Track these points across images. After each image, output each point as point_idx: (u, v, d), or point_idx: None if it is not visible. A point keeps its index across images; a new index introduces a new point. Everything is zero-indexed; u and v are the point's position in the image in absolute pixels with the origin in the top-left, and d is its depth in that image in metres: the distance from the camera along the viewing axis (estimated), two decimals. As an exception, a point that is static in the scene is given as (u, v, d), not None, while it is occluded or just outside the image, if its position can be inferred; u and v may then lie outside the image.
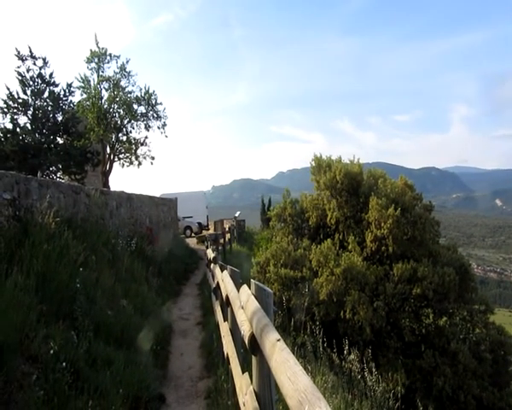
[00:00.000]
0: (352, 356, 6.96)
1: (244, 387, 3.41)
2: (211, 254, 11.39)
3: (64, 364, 4.36)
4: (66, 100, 25.19)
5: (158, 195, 28.35)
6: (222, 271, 6.45)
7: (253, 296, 2.92)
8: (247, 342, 2.83)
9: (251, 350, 2.79)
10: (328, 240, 14.70)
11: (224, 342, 5.63)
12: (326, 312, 13.84)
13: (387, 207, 13.98)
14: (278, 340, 2.04)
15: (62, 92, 24.90)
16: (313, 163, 16.83)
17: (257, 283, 2.97)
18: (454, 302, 14.31)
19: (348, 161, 16.31)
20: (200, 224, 33.39)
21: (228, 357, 4.84)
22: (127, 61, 25.76)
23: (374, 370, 6.42)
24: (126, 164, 26.91)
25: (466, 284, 14.61)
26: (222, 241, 17.71)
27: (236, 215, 34.71)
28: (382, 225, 13.98)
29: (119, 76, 25.43)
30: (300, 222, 16.73)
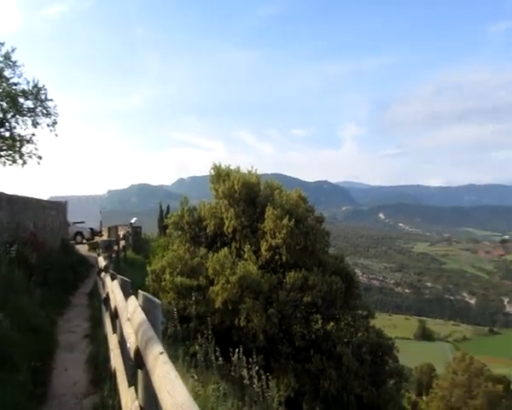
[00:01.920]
0: (241, 363, 7.07)
1: (129, 402, 3.29)
2: (102, 262, 10.83)
3: None
4: None
5: (46, 198, 26.29)
6: (113, 280, 6.17)
7: (140, 308, 2.84)
8: (132, 355, 2.75)
9: (136, 364, 2.71)
10: (225, 248, 14.83)
11: (111, 356, 5.38)
12: (221, 320, 13.92)
13: (282, 217, 14.52)
14: (161, 353, 2.00)
15: None
16: (212, 172, 16.90)
17: (145, 293, 2.89)
18: (340, 308, 15.26)
19: (247, 172, 16.65)
20: (92, 230, 31.63)
21: (115, 371, 4.64)
22: (12, 50, 23.50)
23: (263, 376, 6.59)
24: (9, 162, 24.46)
25: (351, 292, 15.70)
26: (116, 248, 16.94)
27: (133, 221, 33.49)
28: (277, 234, 14.48)
29: (2, 65, 23.08)
30: (198, 230, 16.67)
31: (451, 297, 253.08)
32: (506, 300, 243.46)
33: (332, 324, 15.42)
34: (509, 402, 22.96)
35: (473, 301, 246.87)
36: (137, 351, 2.59)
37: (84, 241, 29.56)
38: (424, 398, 32.89)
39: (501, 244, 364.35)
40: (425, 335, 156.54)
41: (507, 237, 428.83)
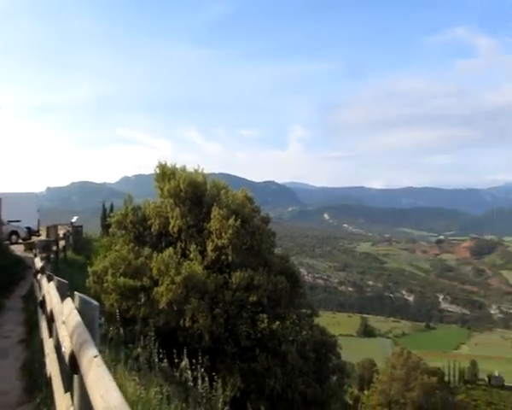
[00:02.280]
0: (183, 364, 6.98)
1: (65, 409, 3.15)
2: (38, 263, 10.32)
3: None
4: None
5: (-23, 195, 24.71)
6: (49, 282, 5.89)
7: (75, 310, 2.72)
8: (67, 359, 2.63)
9: (71, 368, 2.60)
10: (170, 248, 14.61)
11: (47, 361, 5.13)
12: (166, 321, 13.69)
13: (228, 217, 14.51)
14: (95, 356, 1.93)
15: None
16: (158, 170, 16.59)
17: (81, 295, 2.78)
18: (285, 307, 15.47)
19: (193, 171, 16.49)
20: (29, 229, 30.06)
21: (51, 377, 4.42)
22: None
23: (207, 377, 6.54)
24: None
25: (296, 291, 15.96)
26: (55, 248, 16.21)
27: (73, 220, 32.23)
28: (223, 234, 14.45)
29: None
30: (142, 230, 16.29)
31: (391, 295, 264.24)
32: (441, 297, 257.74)
33: (277, 323, 15.55)
34: (443, 393, 24.31)
35: (411, 299, 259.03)
36: (72, 355, 2.48)
37: (20, 241, 28.03)
38: (366, 392, 34.11)
39: (436, 244, 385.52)
40: (367, 331, 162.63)
41: (442, 237, 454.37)
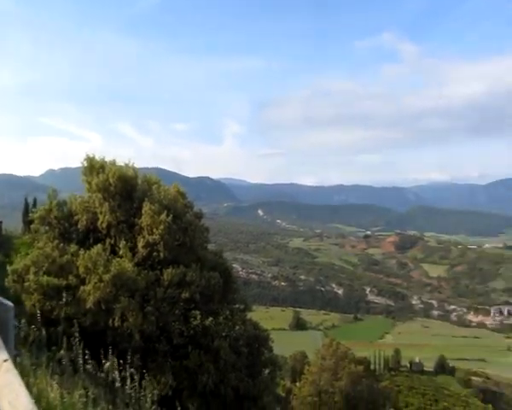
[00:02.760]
0: (108, 364, 6.74)
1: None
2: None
3: None
4: None
5: None
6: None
7: (-16, 312, 2.52)
8: (-25, 365, 2.41)
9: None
10: (99, 245, 14.03)
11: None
12: (94, 320, 13.15)
13: (160, 213, 14.20)
14: (5, 360, 1.78)
15: None
16: (85, 163, 15.85)
17: (-9, 295, 2.57)
18: (218, 303, 15.44)
19: (123, 164, 15.94)
20: None
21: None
22: None
23: (136, 376, 6.36)
24: None
25: (229, 286, 15.99)
26: (-32, 246, 15.01)
27: (-8, 216, 30.00)
28: (154, 230, 14.12)
29: None
30: (68, 226, 15.48)
31: (322, 288, 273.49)
32: (368, 289, 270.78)
33: (210, 319, 15.49)
34: (369, 381, 25.61)
35: (340, 292, 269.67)
36: (-20, 360, 2.28)
37: None
38: (298, 384, 34.97)
39: (364, 239, 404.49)
40: (299, 325, 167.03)
41: (369, 232, 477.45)
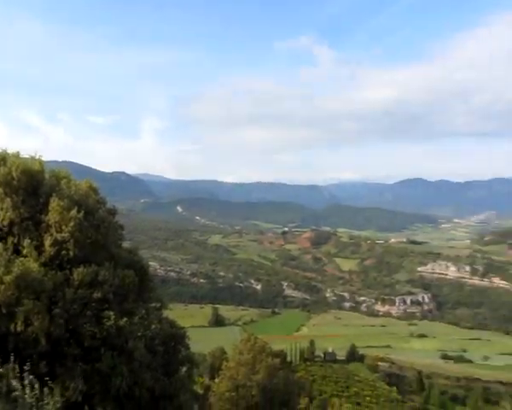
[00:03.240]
0: (13, 373, 6.23)
1: None
2: None
3: None
4: None
5: None
6: None
7: None
8: None
9: None
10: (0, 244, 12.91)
11: None
12: (-7, 326, 12.09)
13: (70, 209, 13.38)
14: None
15: None
16: (-17, 155, 14.47)
17: None
18: (133, 302, 14.94)
19: (29, 157, 14.78)
20: None
21: None
22: None
23: (36, 384, 5.94)
24: None
25: (145, 284, 15.53)
26: None
27: None
28: (64, 227, 13.28)
29: None
30: (-37, 224, 14.05)
31: (241, 284, 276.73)
32: (285, 284, 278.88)
33: (125, 319, 14.94)
34: (285, 372, 26.42)
35: (259, 287, 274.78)
36: None
37: None
38: (216, 380, 35.05)
39: (281, 235, 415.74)
40: (218, 321, 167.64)
41: (286, 229, 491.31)
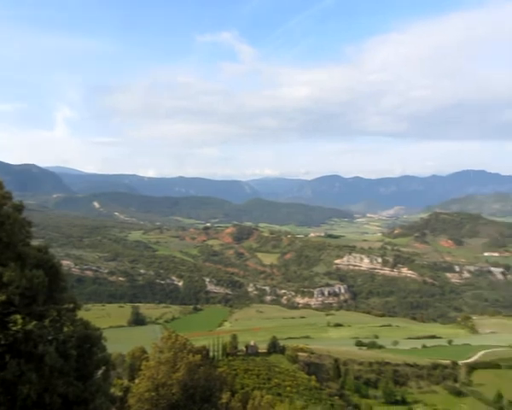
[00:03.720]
0: None
1: None
2: None
3: None
4: None
5: None
6: None
7: None
8: None
9: None
10: None
11: None
12: None
13: (-32, 204, 12.21)
14: None
15: None
16: None
17: None
18: (44, 304, 14.00)
19: None
20: None
21: None
22: None
23: None
24: None
25: (56, 285, 14.59)
26: None
27: None
28: (-39, 225, 12.08)
29: None
30: None
31: (162, 281, 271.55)
32: (207, 280, 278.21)
33: (34, 322, 13.98)
34: (206, 368, 26.33)
35: (181, 284, 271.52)
36: None
37: None
38: (136, 381, 34.06)
39: (204, 231, 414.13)
40: (138, 320, 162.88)
41: (209, 224, 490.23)
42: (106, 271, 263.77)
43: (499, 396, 77.24)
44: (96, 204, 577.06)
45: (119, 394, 32.94)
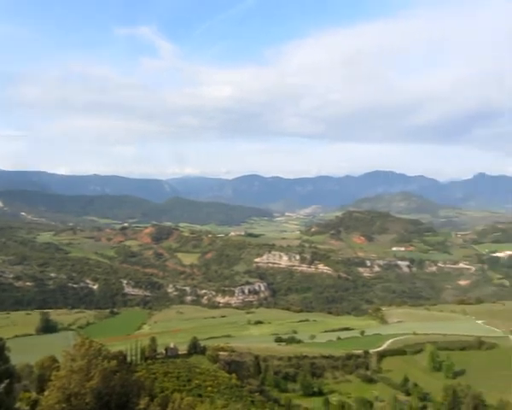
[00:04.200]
0: None
1: None
2: None
3: None
4: None
5: None
6: None
7: None
8: None
9: None
10: None
11: None
12: None
13: None
14: None
15: None
16: None
17: None
18: None
19: None
20: None
21: None
22: None
23: None
24: None
25: None
26: None
27: None
28: None
29: None
30: None
31: (75, 285, 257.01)
32: (125, 282, 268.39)
33: None
34: (122, 374, 25.14)
35: (95, 287, 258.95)
36: None
37: None
38: (45, 393, 31.69)
39: (121, 231, 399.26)
40: (48, 327, 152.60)
41: (126, 224, 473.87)
42: (11, 275, 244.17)
43: (405, 380, 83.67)
44: (0, 203, 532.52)
45: (26, 408, 30.49)
